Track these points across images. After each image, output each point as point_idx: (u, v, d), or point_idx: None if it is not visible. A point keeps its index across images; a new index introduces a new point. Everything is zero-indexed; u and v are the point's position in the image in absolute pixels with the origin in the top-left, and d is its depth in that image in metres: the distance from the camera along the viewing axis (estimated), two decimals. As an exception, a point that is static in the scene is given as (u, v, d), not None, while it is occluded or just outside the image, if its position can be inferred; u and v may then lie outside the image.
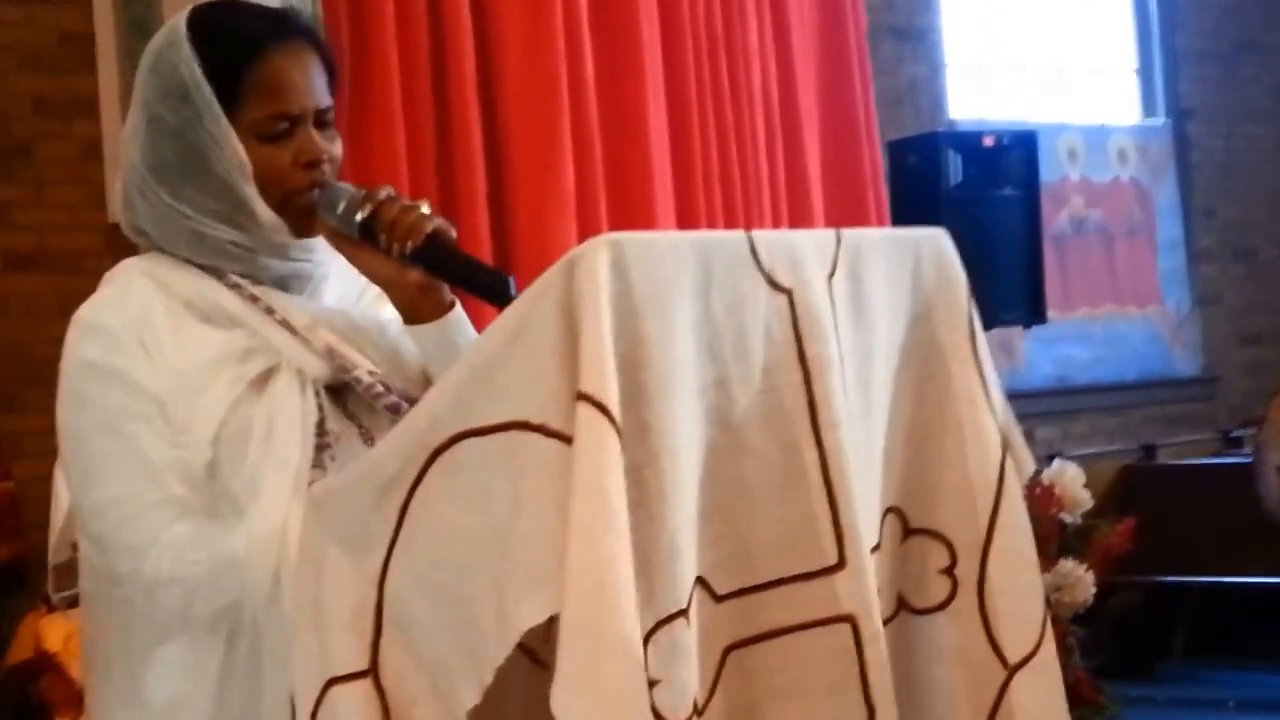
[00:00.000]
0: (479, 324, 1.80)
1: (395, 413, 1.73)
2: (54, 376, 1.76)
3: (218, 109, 1.72)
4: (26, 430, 4.32)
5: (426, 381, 1.76)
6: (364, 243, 1.73)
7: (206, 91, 1.72)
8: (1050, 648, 1.69)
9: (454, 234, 1.74)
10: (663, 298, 1.42)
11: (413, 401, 1.73)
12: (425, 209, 1.73)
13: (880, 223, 4.89)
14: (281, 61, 1.74)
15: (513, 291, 1.68)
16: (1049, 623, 1.71)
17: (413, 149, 3.82)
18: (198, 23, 1.75)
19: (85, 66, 4.53)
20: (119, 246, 1.86)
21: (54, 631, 3.94)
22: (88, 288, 1.79)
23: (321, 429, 1.72)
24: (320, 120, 1.77)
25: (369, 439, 1.75)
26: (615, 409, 1.35)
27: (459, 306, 1.78)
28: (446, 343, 1.74)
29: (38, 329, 4.35)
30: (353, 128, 3.72)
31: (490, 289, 1.72)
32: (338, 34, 3.75)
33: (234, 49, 1.73)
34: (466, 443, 1.42)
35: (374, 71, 3.80)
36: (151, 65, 1.76)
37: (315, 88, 1.77)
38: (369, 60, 3.81)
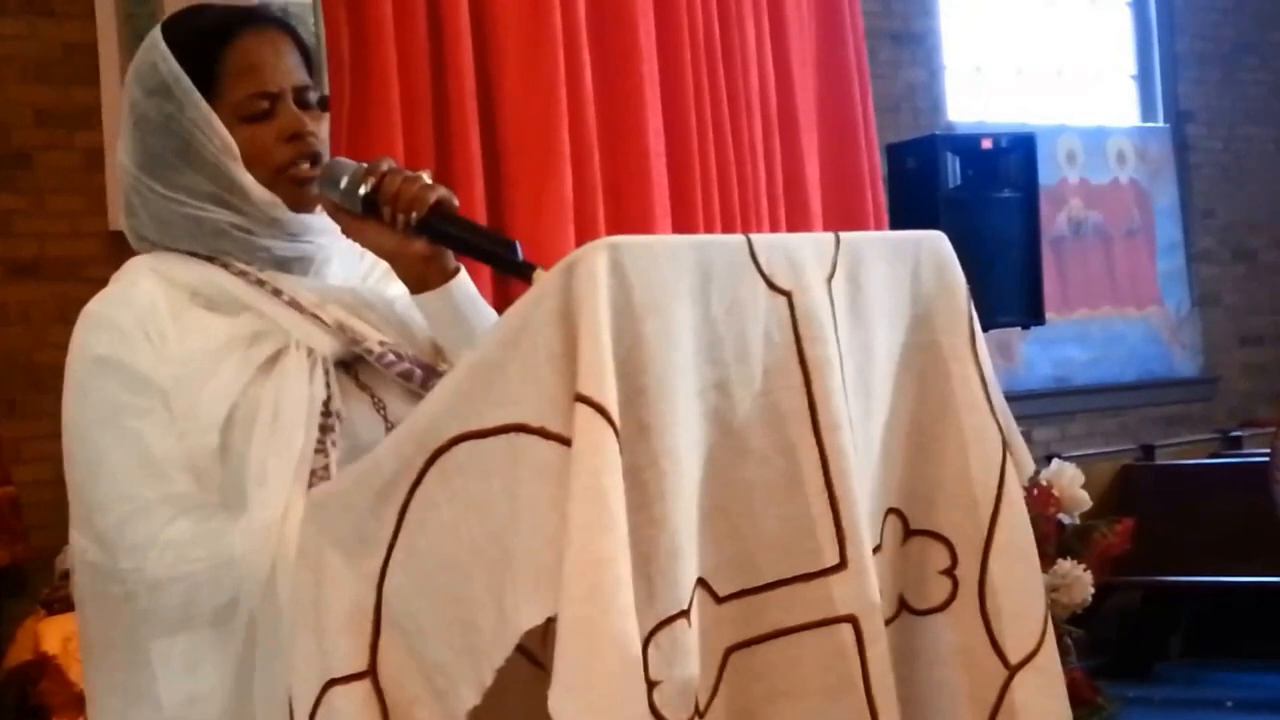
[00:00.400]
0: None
1: (408, 379, 1.75)
2: (54, 383, 1.76)
3: (197, 96, 1.75)
4: (27, 436, 4.33)
5: (436, 352, 1.78)
6: (367, 216, 1.75)
7: (185, 82, 1.75)
8: (1051, 647, 1.69)
9: (457, 202, 1.75)
10: (662, 300, 1.42)
11: (424, 368, 1.75)
12: (427, 178, 1.75)
13: (879, 226, 4.88)
14: (253, 42, 1.78)
15: (520, 255, 1.69)
16: (1050, 622, 1.71)
17: (411, 155, 3.82)
18: (171, 24, 1.81)
19: (87, 78, 4.55)
20: (119, 254, 1.87)
21: (53, 634, 3.94)
22: (88, 295, 1.80)
23: (326, 410, 1.72)
24: (301, 99, 1.80)
25: (381, 409, 1.76)
26: (614, 410, 1.35)
27: (464, 272, 1.79)
28: (453, 308, 1.77)
29: (38, 336, 4.36)
30: (352, 135, 3.72)
31: (498, 254, 1.73)
32: (337, 44, 3.76)
33: (206, 38, 1.77)
34: (465, 445, 1.42)
35: (373, 79, 3.80)
36: (134, 73, 1.80)
37: (290, 66, 1.80)
38: (369, 68, 3.80)
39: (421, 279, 1.77)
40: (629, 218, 4.13)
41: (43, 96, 4.56)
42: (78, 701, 3.74)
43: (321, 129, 1.81)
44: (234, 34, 1.77)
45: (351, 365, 1.78)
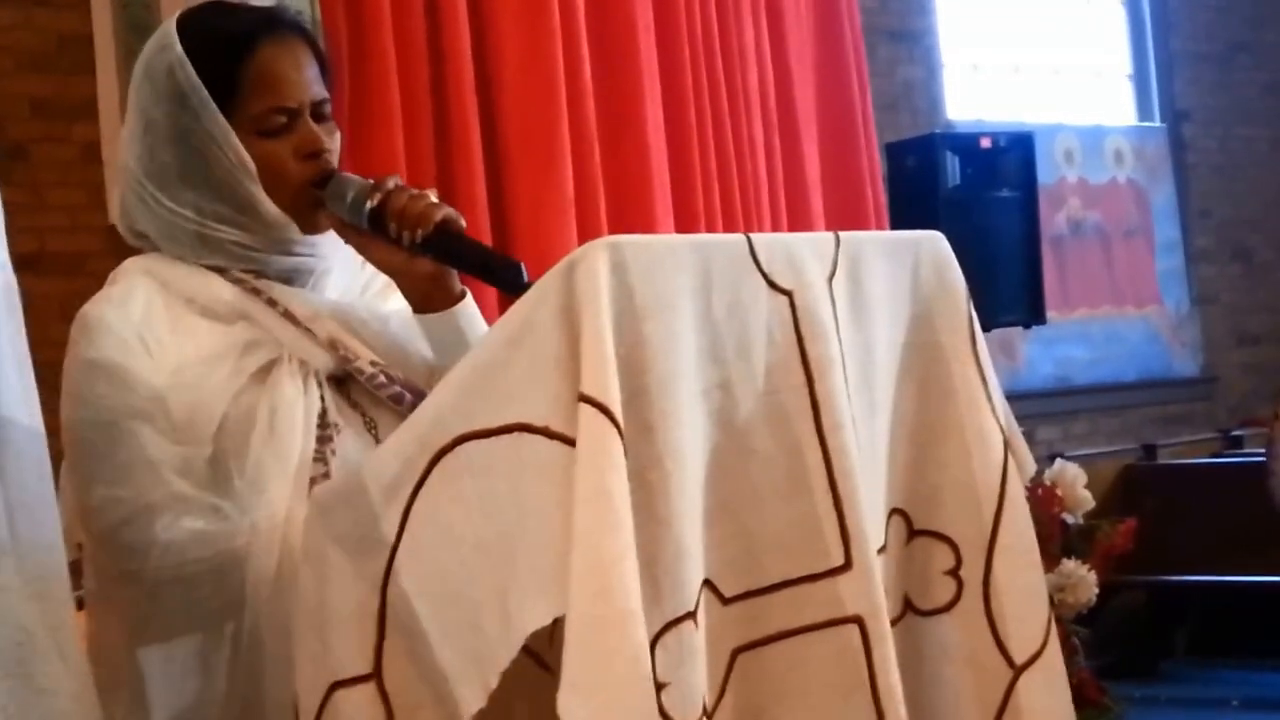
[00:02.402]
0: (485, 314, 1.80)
1: (398, 403, 1.73)
2: (55, 379, 1.75)
3: (214, 109, 1.72)
4: (28, 433, 4.30)
5: (430, 373, 1.76)
6: (373, 233, 1.73)
7: (202, 92, 1.72)
8: (1055, 647, 1.69)
9: (463, 222, 1.74)
10: (663, 300, 1.42)
11: (415, 392, 1.73)
12: (434, 197, 1.73)
13: (879, 225, 4.88)
14: (274, 55, 1.74)
15: (524, 277, 1.68)
16: (1053, 622, 1.71)
17: (411, 153, 3.82)
18: (187, 25, 1.75)
19: (84, 69, 4.50)
20: (119, 248, 1.85)
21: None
22: (89, 290, 1.79)
23: (324, 421, 1.71)
24: (317, 112, 1.77)
25: (373, 429, 1.75)
26: (617, 410, 1.35)
27: (469, 296, 1.77)
28: (457, 332, 1.75)
29: (39, 331, 4.30)
30: (351, 131, 3.71)
31: (502, 275, 1.72)
32: (336, 39, 3.74)
33: (226, 47, 1.73)
34: (469, 445, 1.42)
35: (372, 75, 3.80)
36: (145, 71, 1.76)
37: (309, 79, 1.77)
38: (367, 64, 3.80)
39: (426, 299, 1.75)
40: (630, 215, 4.13)
41: (39, 88, 4.52)
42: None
43: (336, 143, 1.79)
44: (256, 44, 1.73)
45: (343, 382, 1.76)
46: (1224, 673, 6.28)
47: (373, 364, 1.75)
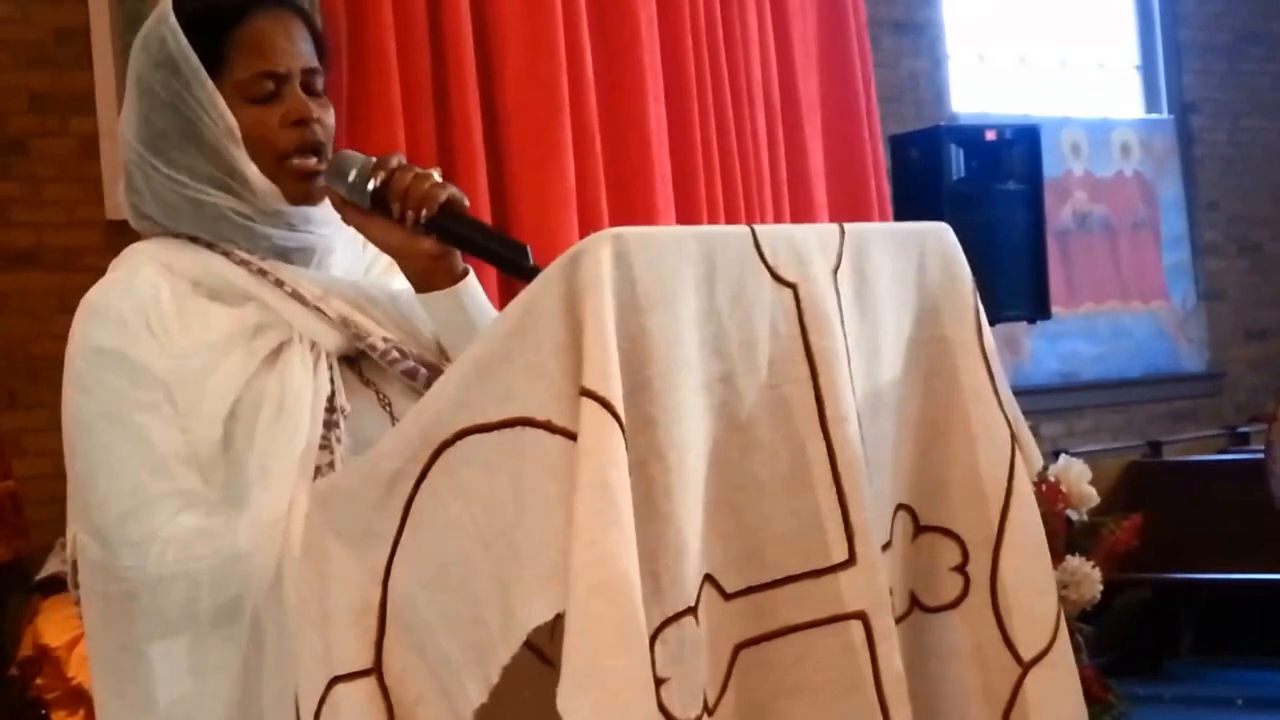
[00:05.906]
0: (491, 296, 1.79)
1: (412, 378, 1.73)
2: (55, 374, 1.74)
3: (204, 75, 1.73)
4: (27, 428, 4.30)
5: (441, 349, 1.76)
6: (375, 212, 1.72)
7: (193, 58, 1.73)
8: (1064, 643, 1.68)
9: (467, 202, 1.73)
10: (666, 292, 1.41)
11: (429, 366, 1.73)
12: (438, 176, 1.72)
13: (883, 217, 4.86)
14: (264, 23, 1.76)
15: (530, 259, 1.67)
16: (1062, 618, 1.69)
17: (413, 145, 3.80)
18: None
19: (81, 62, 4.50)
20: (117, 243, 1.85)
21: (52, 627, 3.90)
22: (86, 284, 1.77)
23: (330, 405, 1.70)
24: (308, 84, 1.77)
25: (387, 405, 1.74)
26: (619, 404, 1.34)
27: (472, 275, 1.77)
28: (460, 311, 1.74)
29: (37, 326, 4.33)
30: (352, 123, 3.70)
31: (507, 257, 1.71)
32: (335, 30, 3.73)
33: (217, 15, 1.75)
34: (471, 439, 1.41)
35: (372, 67, 3.78)
36: (142, 43, 1.77)
37: (300, 50, 1.77)
38: (367, 55, 3.79)
39: (428, 278, 1.74)
40: (632, 207, 4.12)
41: (37, 81, 4.51)
42: (74, 696, 3.71)
43: (328, 117, 1.79)
44: (246, 13, 1.75)
45: (355, 361, 1.76)
46: (1229, 671, 6.27)
47: (385, 340, 1.74)
